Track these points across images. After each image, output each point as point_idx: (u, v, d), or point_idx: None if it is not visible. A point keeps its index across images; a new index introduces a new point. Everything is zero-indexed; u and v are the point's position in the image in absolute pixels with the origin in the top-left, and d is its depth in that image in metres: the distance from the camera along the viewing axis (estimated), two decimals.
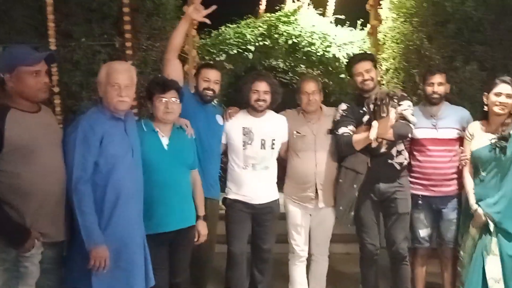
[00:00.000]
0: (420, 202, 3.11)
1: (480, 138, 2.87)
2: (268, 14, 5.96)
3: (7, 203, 2.09)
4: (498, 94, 2.79)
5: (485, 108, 2.88)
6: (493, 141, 2.78)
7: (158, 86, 2.62)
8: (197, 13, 2.92)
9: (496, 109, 2.79)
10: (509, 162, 2.73)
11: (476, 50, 4.42)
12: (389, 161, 3.04)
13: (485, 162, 2.82)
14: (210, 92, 3.03)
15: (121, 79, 2.34)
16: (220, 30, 5.84)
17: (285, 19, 5.75)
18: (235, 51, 5.67)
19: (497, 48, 4.45)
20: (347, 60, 5.24)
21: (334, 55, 5.65)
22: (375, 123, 2.87)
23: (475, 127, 2.95)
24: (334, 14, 6.12)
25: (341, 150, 3.08)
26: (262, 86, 3.06)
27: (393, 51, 4.84)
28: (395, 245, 3.06)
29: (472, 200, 2.88)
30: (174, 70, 2.86)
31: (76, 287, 2.30)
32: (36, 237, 2.13)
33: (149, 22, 4.32)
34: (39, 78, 2.20)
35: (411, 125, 3.00)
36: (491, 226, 2.76)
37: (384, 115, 2.86)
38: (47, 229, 2.20)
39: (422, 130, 3.07)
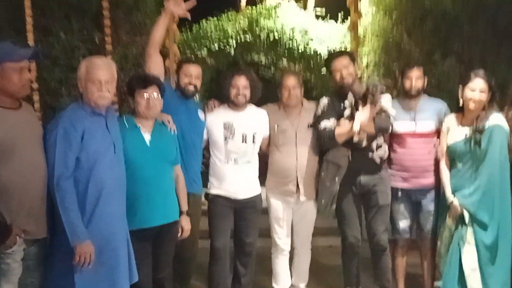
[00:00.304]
0: (399, 194, 3.16)
1: (456, 131, 2.92)
2: (249, 8, 5.94)
3: None
4: (473, 89, 2.83)
5: (460, 101, 2.92)
6: (468, 134, 2.83)
7: (140, 82, 2.60)
8: (177, 7, 2.90)
9: (471, 104, 2.84)
10: (483, 154, 2.78)
11: (454, 45, 4.52)
12: (370, 154, 3.08)
13: (460, 154, 2.87)
14: (191, 88, 3.02)
15: (101, 74, 2.32)
16: (200, 24, 5.80)
17: (266, 13, 5.74)
18: (216, 47, 5.64)
19: (473, 42, 4.54)
20: (327, 56, 5.32)
21: (315, 50, 5.67)
22: (358, 115, 2.90)
23: (451, 120, 2.99)
24: (314, 7, 6.14)
25: (323, 143, 3.10)
26: (241, 81, 3.06)
27: (374, 46, 4.91)
28: (376, 236, 3.11)
29: (448, 191, 2.94)
30: (156, 66, 2.83)
31: (58, 284, 2.29)
32: (18, 234, 2.12)
33: (129, 17, 4.28)
34: (23, 74, 2.19)
35: (391, 118, 3.05)
36: (467, 217, 2.83)
37: (375, 101, 2.90)
38: (29, 226, 2.18)
39: (401, 123, 3.11)
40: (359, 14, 4.99)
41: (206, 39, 5.60)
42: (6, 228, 2.09)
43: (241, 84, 3.06)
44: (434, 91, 4.15)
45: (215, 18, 5.83)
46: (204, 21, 5.75)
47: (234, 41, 5.66)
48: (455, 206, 2.86)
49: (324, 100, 3.16)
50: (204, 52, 5.57)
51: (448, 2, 4.54)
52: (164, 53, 4.42)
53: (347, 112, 3.06)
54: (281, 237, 3.28)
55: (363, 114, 2.89)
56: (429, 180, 3.11)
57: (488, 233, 2.77)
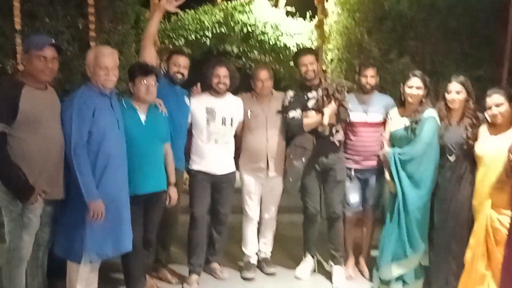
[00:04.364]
0: (352, 173, 3.66)
1: (397, 121, 3.44)
2: (225, 3, 6.23)
3: (15, 164, 2.45)
4: (410, 87, 3.35)
5: (402, 97, 3.43)
6: (407, 124, 3.34)
7: (141, 70, 2.98)
8: (169, 4, 3.27)
9: (409, 99, 3.35)
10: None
11: (409, 45, 5.00)
12: (331, 138, 3.56)
13: (399, 140, 3.39)
14: (179, 76, 3.39)
15: (108, 61, 2.71)
16: (179, 15, 6.04)
17: (241, 8, 6.04)
18: (193, 37, 5.92)
19: (427, 43, 5.03)
20: (296, 50, 5.72)
21: (285, 44, 6.03)
22: (327, 111, 3.36)
23: (394, 112, 3.51)
24: (285, 5, 6.49)
25: (291, 131, 3.55)
26: (222, 71, 3.46)
27: (337, 43, 5.32)
28: (332, 206, 3.60)
29: (387, 174, 3.42)
30: (150, 56, 3.21)
31: (69, 239, 2.67)
32: (39, 193, 2.50)
33: (112, 5, 4.50)
34: (44, 62, 2.55)
35: (348, 111, 3.52)
36: (399, 191, 3.29)
37: (341, 99, 3.37)
38: (48, 187, 2.57)
39: (355, 114, 3.59)
40: (325, 14, 5.39)
41: (184, 30, 5.86)
42: (31, 188, 2.47)
43: (222, 74, 3.45)
44: (390, 87, 4.62)
45: (192, 11, 6.06)
46: (182, 13, 5.96)
47: (209, 33, 5.94)
48: (389, 182, 3.38)
49: (290, 93, 3.61)
50: (181, 42, 5.84)
51: (404, 5, 5.00)
52: None
53: (311, 103, 3.52)
54: (251, 208, 3.73)
55: (330, 110, 3.34)
56: (376, 161, 3.60)
57: (413, 202, 3.29)
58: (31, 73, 2.55)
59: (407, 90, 3.36)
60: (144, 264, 3.21)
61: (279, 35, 5.99)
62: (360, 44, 5.06)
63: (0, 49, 3.98)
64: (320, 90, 3.48)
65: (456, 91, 3.22)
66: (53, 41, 2.66)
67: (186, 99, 3.49)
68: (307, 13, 6.04)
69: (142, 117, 3.01)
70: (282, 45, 6.03)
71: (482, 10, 5.04)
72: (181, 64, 3.39)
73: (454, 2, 5.07)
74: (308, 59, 3.55)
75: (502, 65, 4.92)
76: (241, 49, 6.35)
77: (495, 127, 3.02)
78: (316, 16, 5.60)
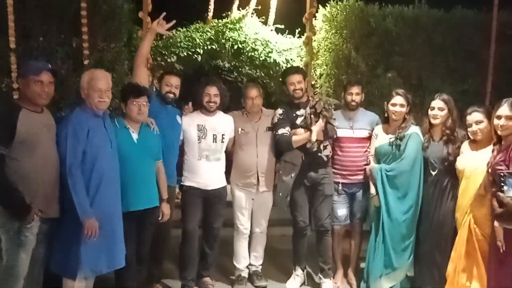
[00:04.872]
0: (339, 188, 3.76)
1: (382, 137, 3.57)
2: (216, 21, 6.35)
3: (13, 184, 2.53)
4: (393, 105, 3.49)
5: (386, 115, 3.57)
6: (391, 140, 3.47)
7: (134, 91, 3.09)
8: (160, 27, 3.39)
9: (393, 116, 3.49)
10: (401, 156, 3.43)
11: (395, 60, 5.14)
12: (319, 154, 3.66)
13: (384, 155, 3.52)
14: (171, 95, 3.50)
15: (101, 84, 2.81)
16: (171, 33, 6.13)
17: (231, 26, 6.17)
18: (185, 54, 6.01)
19: (412, 58, 5.18)
20: (285, 66, 5.84)
21: (275, 60, 6.14)
22: (315, 128, 3.47)
23: (379, 129, 3.65)
24: (274, 23, 6.62)
25: (281, 147, 3.65)
26: (213, 90, 3.57)
27: (326, 59, 5.43)
28: (321, 220, 3.69)
29: (372, 189, 3.58)
30: (142, 76, 3.32)
31: (64, 255, 2.74)
32: (36, 212, 2.58)
33: (105, 24, 4.59)
34: (41, 87, 2.65)
35: (335, 128, 3.63)
36: (383, 206, 3.44)
37: (328, 116, 3.48)
38: (44, 206, 2.65)
39: (341, 130, 3.70)
40: (313, 31, 5.52)
41: (176, 47, 5.95)
42: (27, 207, 2.55)
43: (213, 92, 3.56)
44: (377, 101, 4.75)
45: (184, 28, 6.17)
46: (174, 31, 6.07)
47: (201, 49, 6.05)
48: (374, 196, 3.52)
49: (279, 111, 3.72)
50: (174, 58, 5.92)
51: (390, 22, 5.16)
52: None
53: (299, 121, 3.63)
54: (243, 223, 3.81)
55: (318, 127, 3.45)
56: (362, 176, 3.72)
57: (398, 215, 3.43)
58: (28, 97, 2.64)
59: (391, 108, 3.49)
60: (137, 279, 3.27)
61: (269, 51, 6.10)
62: (347, 60, 5.18)
63: None
64: (308, 108, 3.59)
65: (438, 107, 3.35)
66: (50, 66, 2.75)
67: (178, 118, 3.58)
68: (296, 30, 6.17)
69: (134, 136, 3.10)
70: (272, 61, 6.12)
71: (466, 26, 5.22)
72: (173, 84, 3.50)
73: (439, 19, 5.25)
74: (296, 78, 3.67)
75: (486, 79, 5.09)
76: (232, 64, 6.44)
77: (476, 143, 3.14)
78: (304, 33, 5.71)
